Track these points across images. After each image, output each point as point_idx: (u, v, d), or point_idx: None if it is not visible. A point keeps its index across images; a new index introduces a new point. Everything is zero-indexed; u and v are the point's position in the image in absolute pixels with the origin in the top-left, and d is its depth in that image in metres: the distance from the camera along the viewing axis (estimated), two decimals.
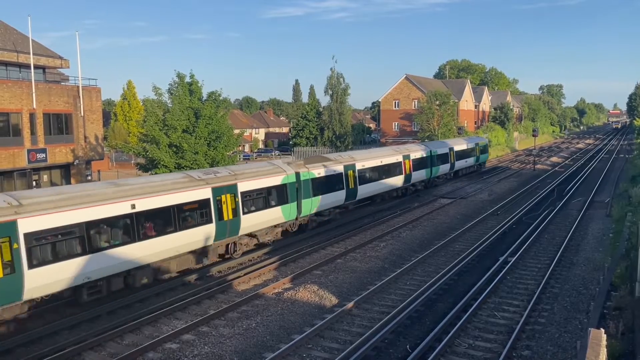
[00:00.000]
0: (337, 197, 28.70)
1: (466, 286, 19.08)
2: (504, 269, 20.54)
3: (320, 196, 26.85)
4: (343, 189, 29.04)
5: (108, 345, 14.69)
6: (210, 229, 20.41)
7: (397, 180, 35.84)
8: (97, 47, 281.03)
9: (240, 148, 50.34)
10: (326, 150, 71.14)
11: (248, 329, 15.65)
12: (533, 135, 72.77)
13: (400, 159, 36.00)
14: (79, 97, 36.37)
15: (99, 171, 48.61)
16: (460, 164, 48.38)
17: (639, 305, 14.66)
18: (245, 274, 20.56)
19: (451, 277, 20.01)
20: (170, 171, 31.89)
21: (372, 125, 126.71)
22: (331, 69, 79.87)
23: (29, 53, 33.70)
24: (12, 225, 14.31)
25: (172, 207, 19.02)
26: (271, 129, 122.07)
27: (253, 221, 22.64)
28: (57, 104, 35.03)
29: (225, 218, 21.06)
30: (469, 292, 18.03)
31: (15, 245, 14.24)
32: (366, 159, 32.13)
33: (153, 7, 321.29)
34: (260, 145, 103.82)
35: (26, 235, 14.53)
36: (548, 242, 25.45)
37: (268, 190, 23.63)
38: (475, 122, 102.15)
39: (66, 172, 36.30)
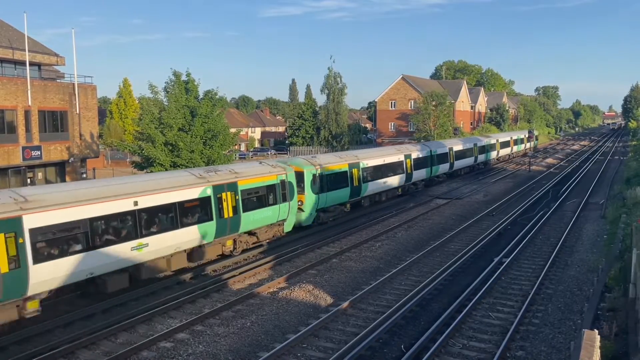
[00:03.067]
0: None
1: (461, 286, 19.11)
2: (498, 270, 20.59)
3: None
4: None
5: (102, 343, 14.64)
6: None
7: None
8: (94, 45, 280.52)
9: (236, 147, 50.31)
10: (323, 150, 71.08)
11: (243, 328, 15.64)
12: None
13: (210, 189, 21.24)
14: (75, 94, 36.24)
15: (94, 169, 48.39)
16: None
17: (633, 306, 14.72)
18: (240, 273, 20.55)
19: (446, 277, 20.03)
20: (166, 169, 31.85)
21: (369, 126, 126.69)
22: (329, 68, 79.86)
23: (24, 50, 33.54)
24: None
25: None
26: (267, 128, 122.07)
27: None
28: (52, 101, 34.89)
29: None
30: (463, 293, 18.06)
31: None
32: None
33: (151, 4, 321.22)
34: (257, 145, 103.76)
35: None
36: (543, 243, 25.52)
37: None
38: (471, 122, 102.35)
39: (61, 170, 36.16)
